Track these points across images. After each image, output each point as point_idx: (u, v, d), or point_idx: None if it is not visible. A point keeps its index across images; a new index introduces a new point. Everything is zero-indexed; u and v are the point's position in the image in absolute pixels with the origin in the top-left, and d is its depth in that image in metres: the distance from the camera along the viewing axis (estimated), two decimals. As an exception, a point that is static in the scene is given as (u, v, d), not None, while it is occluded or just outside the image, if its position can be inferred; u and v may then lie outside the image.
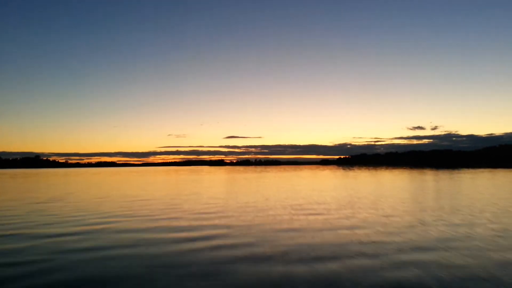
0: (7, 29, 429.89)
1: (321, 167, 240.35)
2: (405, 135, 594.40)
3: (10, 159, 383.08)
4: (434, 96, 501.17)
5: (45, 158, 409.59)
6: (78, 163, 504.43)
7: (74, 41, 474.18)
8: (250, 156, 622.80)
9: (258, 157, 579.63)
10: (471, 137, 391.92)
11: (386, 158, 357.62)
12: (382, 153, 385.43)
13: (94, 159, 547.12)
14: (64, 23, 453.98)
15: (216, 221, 16.32)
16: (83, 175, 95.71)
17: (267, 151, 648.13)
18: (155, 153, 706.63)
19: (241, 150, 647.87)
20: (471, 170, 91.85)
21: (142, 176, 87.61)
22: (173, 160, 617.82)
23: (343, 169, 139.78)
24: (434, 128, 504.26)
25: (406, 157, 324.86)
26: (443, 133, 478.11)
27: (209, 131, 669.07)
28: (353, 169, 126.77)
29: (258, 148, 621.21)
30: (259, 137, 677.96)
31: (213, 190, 36.98)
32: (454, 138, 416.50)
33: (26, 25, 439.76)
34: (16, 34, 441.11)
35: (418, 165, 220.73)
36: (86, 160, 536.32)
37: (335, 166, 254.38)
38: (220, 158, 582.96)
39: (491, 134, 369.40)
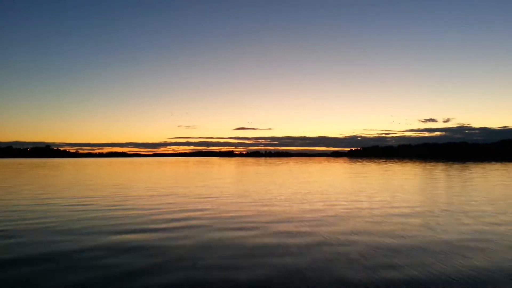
0: (19, 21, 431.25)
1: (334, 159, 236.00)
2: (416, 127, 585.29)
3: (21, 148, 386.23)
4: (447, 88, 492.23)
5: (55, 148, 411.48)
6: (89, 153, 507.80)
7: (85, 33, 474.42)
8: (259, 147, 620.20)
9: (268, 149, 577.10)
10: (484, 130, 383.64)
11: (399, 150, 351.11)
12: (395, 146, 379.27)
13: (105, 150, 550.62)
14: (75, 14, 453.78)
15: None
16: (63, 166, 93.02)
17: (276, 142, 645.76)
18: (165, 144, 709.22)
19: (251, 142, 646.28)
20: (493, 165, 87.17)
21: (139, 168, 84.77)
22: (183, 151, 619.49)
23: (369, 162, 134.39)
24: (446, 121, 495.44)
25: (419, 150, 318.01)
26: (455, 125, 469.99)
27: (219, 122, 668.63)
28: (379, 163, 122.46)
29: (268, 140, 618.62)
30: (269, 129, 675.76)
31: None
32: (466, 131, 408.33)
33: (37, 16, 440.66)
34: (28, 26, 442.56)
35: (432, 158, 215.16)
36: (97, 150, 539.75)
37: (347, 159, 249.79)
38: (229, 150, 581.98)
39: (505, 126, 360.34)
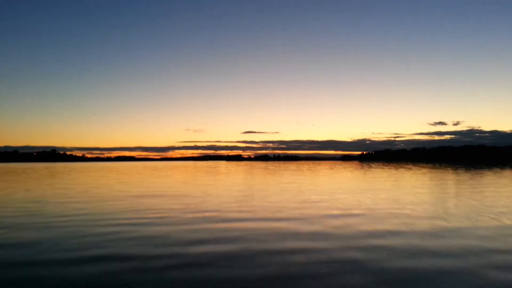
0: (23, 25, 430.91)
1: (345, 163, 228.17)
2: (425, 130, 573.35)
3: (29, 153, 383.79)
4: (456, 90, 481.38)
5: (61, 152, 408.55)
6: (97, 157, 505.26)
7: (92, 36, 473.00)
8: (267, 151, 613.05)
9: (277, 153, 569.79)
10: (495, 133, 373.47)
11: (412, 154, 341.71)
12: (407, 149, 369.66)
13: (114, 154, 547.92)
14: (80, 19, 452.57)
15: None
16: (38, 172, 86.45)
17: (284, 146, 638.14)
18: (173, 148, 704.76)
19: (259, 146, 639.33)
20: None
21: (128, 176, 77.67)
22: (191, 155, 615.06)
23: (394, 167, 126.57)
24: (456, 124, 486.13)
25: (433, 153, 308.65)
26: (465, 128, 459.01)
27: (227, 126, 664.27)
28: (408, 167, 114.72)
29: (276, 144, 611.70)
30: (277, 132, 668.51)
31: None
32: (477, 134, 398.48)
33: (41, 20, 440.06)
34: (34, 30, 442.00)
35: (448, 162, 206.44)
36: (106, 155, 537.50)
37: (357, 162, 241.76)
38: (237, 153, 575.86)
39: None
